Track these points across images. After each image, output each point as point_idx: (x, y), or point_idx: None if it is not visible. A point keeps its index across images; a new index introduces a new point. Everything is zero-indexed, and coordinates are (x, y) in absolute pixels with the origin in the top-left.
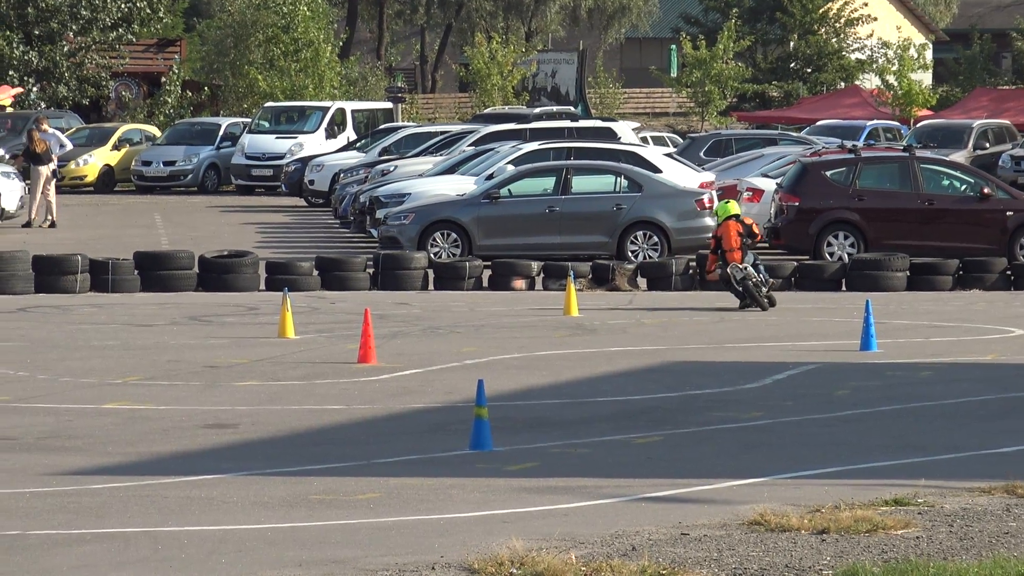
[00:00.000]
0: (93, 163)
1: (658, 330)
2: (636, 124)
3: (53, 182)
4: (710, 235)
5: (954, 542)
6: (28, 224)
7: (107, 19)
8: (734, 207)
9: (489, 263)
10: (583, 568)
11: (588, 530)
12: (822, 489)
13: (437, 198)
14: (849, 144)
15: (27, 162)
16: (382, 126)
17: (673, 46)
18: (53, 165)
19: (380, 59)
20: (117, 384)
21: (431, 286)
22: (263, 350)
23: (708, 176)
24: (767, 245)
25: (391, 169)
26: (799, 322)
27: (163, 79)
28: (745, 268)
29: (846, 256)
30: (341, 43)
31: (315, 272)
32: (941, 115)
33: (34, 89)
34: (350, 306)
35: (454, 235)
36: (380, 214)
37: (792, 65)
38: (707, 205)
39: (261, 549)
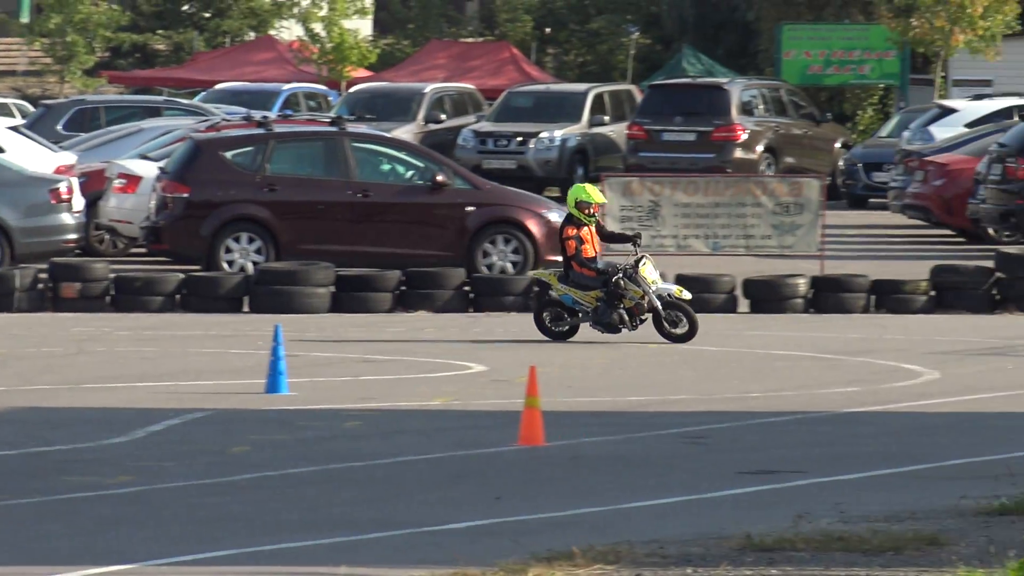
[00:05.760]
0: None
1: None
2: None
3: None
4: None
5: None
6: None
7: None
8: None
9: None
10: None
11: None
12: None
13: None
14: (259, 115)
15: None
16: None
17: None
18: None
19: None
20: None
21: None
22: None
23: (67, 157)
24: (146, 252)
25: None
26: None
27: None
28: None
29: (251, 266)
30: None
31: None
32: (383, 76)
33: None
34: None
35: None
36: None
37: (186, 8)
38: (64, 197)
39: None
